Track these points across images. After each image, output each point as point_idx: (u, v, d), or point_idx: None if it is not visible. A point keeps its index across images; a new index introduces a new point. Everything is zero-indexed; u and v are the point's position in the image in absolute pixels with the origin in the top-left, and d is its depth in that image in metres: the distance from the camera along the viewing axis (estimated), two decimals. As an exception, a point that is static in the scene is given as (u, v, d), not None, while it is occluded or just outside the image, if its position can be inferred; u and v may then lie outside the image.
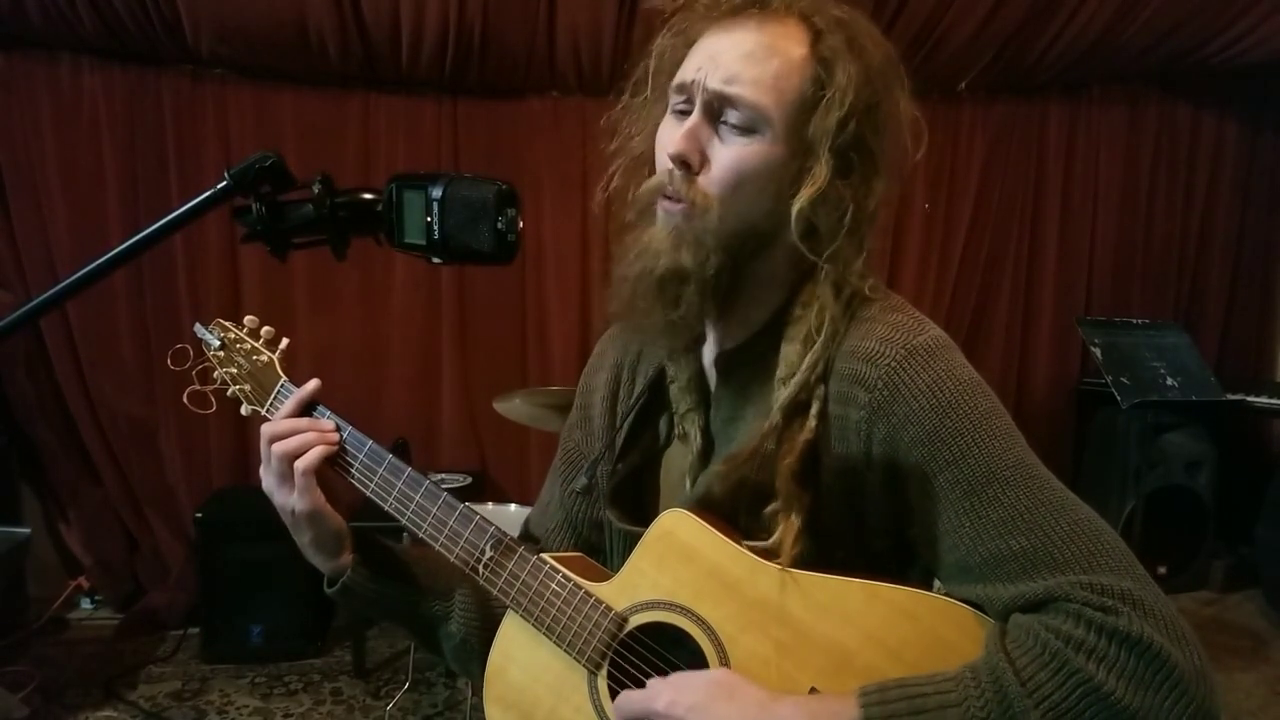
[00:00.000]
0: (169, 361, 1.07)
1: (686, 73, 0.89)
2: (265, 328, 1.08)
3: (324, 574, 1.05)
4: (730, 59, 0.86)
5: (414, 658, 3.06)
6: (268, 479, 0.99)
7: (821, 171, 0.85)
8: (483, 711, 1.00)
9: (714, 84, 0.86)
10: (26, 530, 3.27)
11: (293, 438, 0.98)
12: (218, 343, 1.07)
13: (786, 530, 0.86)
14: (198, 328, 1.08)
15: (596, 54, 3.49)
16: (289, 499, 0.98)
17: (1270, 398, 3.91)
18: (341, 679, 3.19)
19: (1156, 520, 3.68)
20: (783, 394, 0.89)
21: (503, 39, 3.40)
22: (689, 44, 0.91)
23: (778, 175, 0.87)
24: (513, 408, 2.87)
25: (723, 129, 0.87)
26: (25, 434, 3.48)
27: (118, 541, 3.63)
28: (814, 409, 0.88)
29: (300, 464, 0.97)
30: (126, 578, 3.63)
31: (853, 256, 0.89)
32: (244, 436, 3.70)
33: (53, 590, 3.58)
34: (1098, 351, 3.47)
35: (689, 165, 0.87)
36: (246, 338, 1.07)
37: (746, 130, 0.86)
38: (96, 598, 3.66)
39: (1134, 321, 3.85)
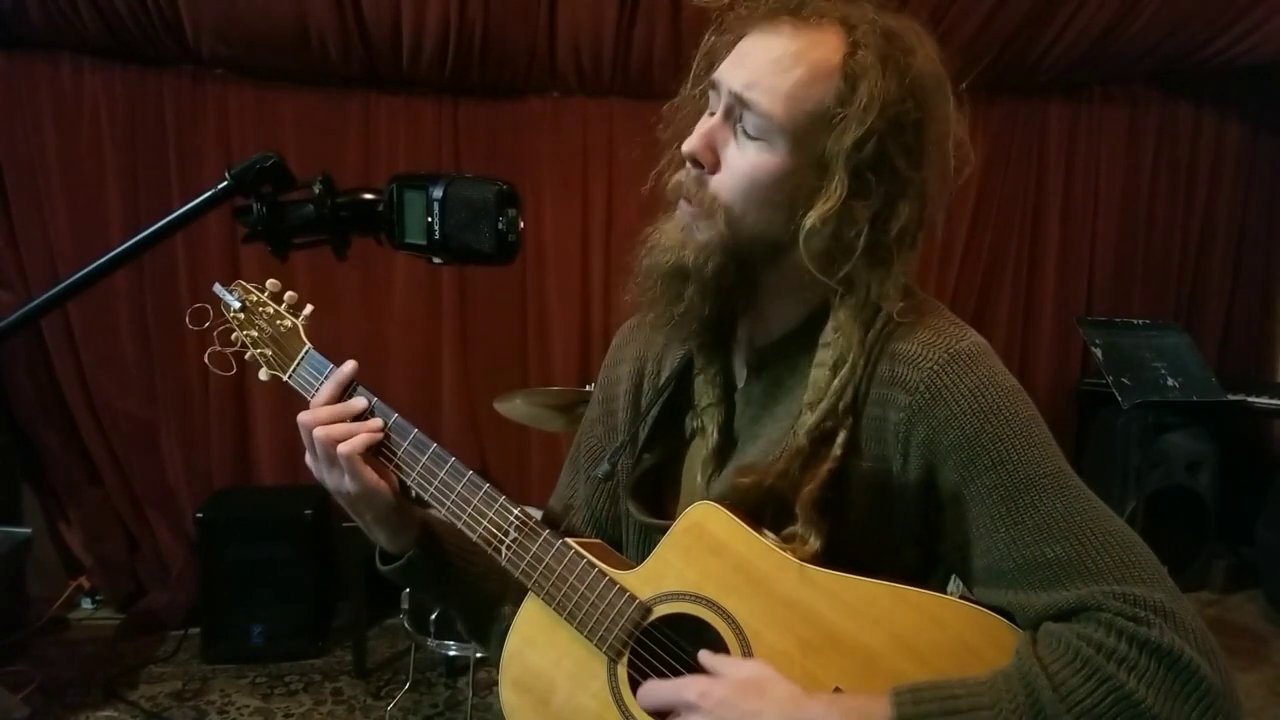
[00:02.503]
0: (187, 320, 1.04)
1: (718, 71, 0.89)
2: (289, 293, 1.05)
3: (380, 549, 1.04)
4: (756, 62, 0.85)
5: (414, 658, 3.06)
6: (315, 465, 0.98)
7: (835, 190, 0.83)
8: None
9: (735, 86, 0.85)
10: (27, 530, 3.28)
11: (335, 424, 0.97)
12: (238, 304, 1.03)
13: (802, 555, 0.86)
14: (217, 287, 1.04)
15: (597, 54, 3.48)
16: (340, 482, 0.97)
17: (1271, 398, 3.90)
18: (342, 679, 3.19)
19: (1157, 521, 3.66)
20: (808, 419, 0.87)
21: (503, 39, 3.40)
22: (731, 44, 0.90)
23: (790, 188, 0.85)
24: (513, 408, 2.87)
25: (740, 132, 0.87)
26: (26, 434, 3.47)
27: (118, 541, 3.63)
28: (840, 438, 0.86)
29: (344, 448, 0.95)
30: (127, 578, 3.63)
31: (874, 280, 0.87)
32: (244, 437, 3.71)
33: (53, 590, 3.58)
34: (1099, 351, 3.46)
35: (700, 164, 0.88)
36: (269, 301, 1.04)
37: (759, 137, 0.85)
38: (97, 598, 3.67)
39: (1134, 322, 3.84)
